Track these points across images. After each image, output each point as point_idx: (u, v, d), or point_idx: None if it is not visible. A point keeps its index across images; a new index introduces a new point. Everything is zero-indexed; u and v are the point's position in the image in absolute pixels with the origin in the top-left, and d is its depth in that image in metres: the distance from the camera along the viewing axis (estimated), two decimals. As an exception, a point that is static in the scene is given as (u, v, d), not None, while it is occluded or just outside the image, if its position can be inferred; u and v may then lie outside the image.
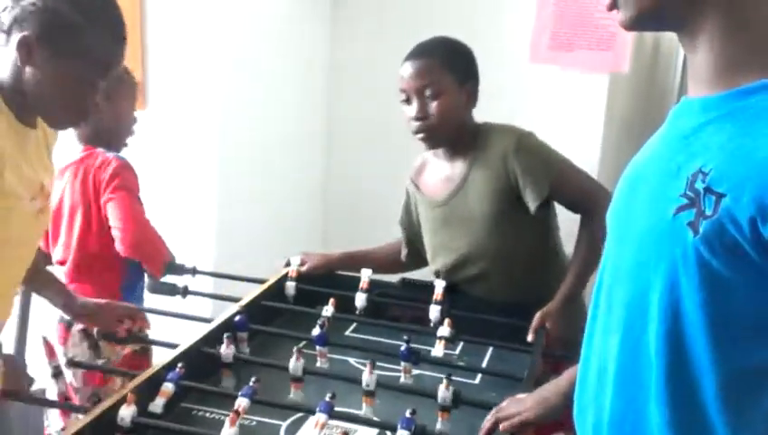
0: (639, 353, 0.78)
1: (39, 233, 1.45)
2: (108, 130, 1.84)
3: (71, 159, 1.84)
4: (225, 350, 1.34)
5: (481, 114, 2.79)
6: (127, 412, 1.12)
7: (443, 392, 1.23)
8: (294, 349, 1.31)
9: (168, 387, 1.21)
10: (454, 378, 1.38)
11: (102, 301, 1.56)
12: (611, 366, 0.82)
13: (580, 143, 2.15)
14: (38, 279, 1.54)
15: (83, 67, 1.26)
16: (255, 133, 2.50)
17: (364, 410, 1.24)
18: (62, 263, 1.82)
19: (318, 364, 1.40)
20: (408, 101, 1.62)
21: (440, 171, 1.70)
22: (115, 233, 1.72)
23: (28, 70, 1.25)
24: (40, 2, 1.22)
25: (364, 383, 1.25)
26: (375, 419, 1.23)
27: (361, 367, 1.46)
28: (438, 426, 1.21)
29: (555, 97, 2.30)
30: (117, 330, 1.53)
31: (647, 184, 0.81)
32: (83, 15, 1.24)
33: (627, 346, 0.80)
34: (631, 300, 0.80)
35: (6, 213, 1.28)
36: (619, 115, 2.40)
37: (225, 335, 1.36)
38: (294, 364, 1.29)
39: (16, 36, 1.22)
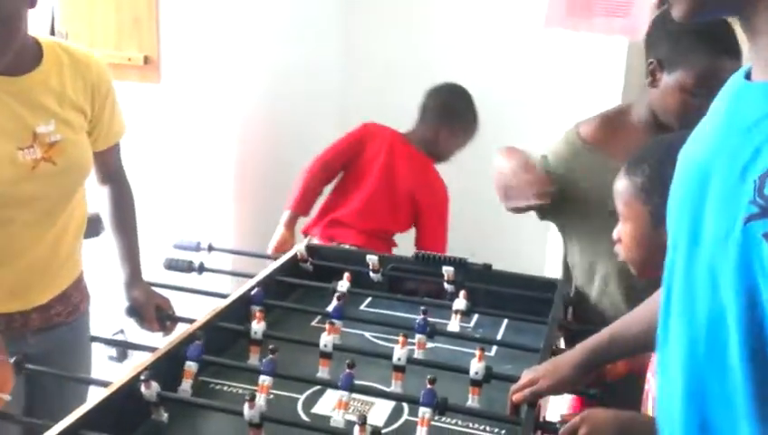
0: (719, 369, 0.72)
1: (46, 188, 1.37)
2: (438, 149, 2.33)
3: None
4: (256, 325, 1.32)
5: (497, 82, 2.79)
6: (150, 392, 1.11)
7: (475, 366, 1.21)
8: (327, 323, 1.31)
9: (192, 367, 1.21)
10: (468, 350, 1.39)
11: (149, 294, 1.55)
12: (680, 380, 0.78)
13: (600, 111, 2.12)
14: (114, 221, 1.56)
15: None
16: (271, 108, 2.49)
17: (393, 386, 1.24)
18: None
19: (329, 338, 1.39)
20: None
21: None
22: None
23: None
24: None
25: (395, 358, 1.24)
26: (397, 391, 1.23)
27: (378, 341, 1.47)
28: (469, 402, 1.20)
29: (573, 64, 2.27)
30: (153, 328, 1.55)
31: (713, 183, 0.72)
32: None
33: (702, 360, 0.75)
34: (709, 313, 0.73)
35: None
36: (637, 83, 2.36)
37: (256, 309, 1.36)
38: (325, 339, 1.28)
39: None
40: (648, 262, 1.24)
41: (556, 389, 1.19)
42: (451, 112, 2.34)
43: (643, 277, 1.34)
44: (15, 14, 1.24)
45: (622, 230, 1.28)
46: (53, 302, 1.47)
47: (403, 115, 2.35)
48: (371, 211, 2.26)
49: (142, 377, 1.11)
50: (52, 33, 2.31)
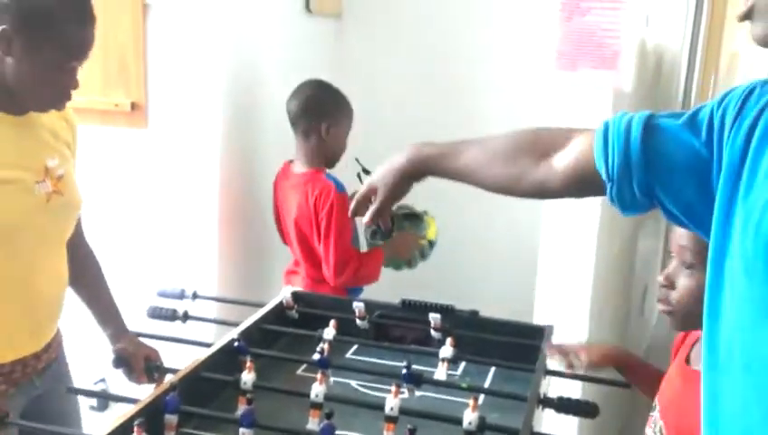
0: None
1: (56, 221, 1.47)
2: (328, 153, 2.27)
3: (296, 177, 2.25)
4: (246, 375, 1.29)
5: (488, 130, 2.82)
6: None
7: (469, 416, 1.18)
8: (319, 373, 1.29)
9: (171, 419, 1.18)
10: (457, 399, 1.38)
11: (137, 346, 1.58)
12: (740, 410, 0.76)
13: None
14: (86, 285, 1.59)
15: (58, 51, 1.34)
16: (258, 155, 2.50)
17: None
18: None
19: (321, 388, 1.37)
20: None
21: None
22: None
23: (8, 61, 1.34)
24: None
25: (387, 408, 1.21)
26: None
27: (364, 390, 1.45)
28: None
29: (559, 115, 2.30)
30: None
31: None
32: (54, 1, 1.34)
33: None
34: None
35: (7, 197, 1.34)
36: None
37: (245, 359, 1.34)
38: (316, 389, 1.25)
39: None
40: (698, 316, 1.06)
41: (391, 193, 1.25)
42: (315, 106, 2.28)
43: (684, 329, 1.32)
44: None
45: (683, 280, 1.24)
46: (54, 337, 1.53)
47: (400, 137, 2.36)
48: (297, 259, 2.29)
49: (136, 423, 1.08)
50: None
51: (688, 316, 1.25)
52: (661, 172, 0.91)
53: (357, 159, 2.29)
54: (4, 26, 1.31)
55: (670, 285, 1.27)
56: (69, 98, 1.42)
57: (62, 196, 1.44)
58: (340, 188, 2.22)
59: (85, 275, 1.60)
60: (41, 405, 1.46)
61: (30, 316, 1.45)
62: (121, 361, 1.57)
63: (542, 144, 1.06)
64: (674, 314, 1.29)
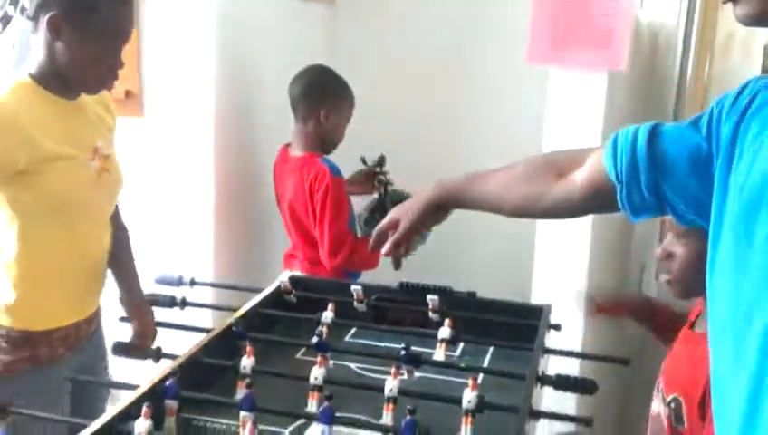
0: None
1: (105, 196, 1.62)
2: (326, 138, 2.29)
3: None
4: (246, 360, 1.30)
5: (479, 116, 2.83)
6: (142, 426, 1.07)
7: (468, 395, 1.18)
8: (318, 356, 1.29)
9: (172, 404, 1.18)
10: (456, 379, 1.38)
11: (147, 307, 1.72)
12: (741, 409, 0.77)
13: (580, 143, 2.14)
14: (117, 257, 1.71)
15: (104, 32, 1.45)
16: (253, 142, 2.50)
17: (384, 418, 1.21)
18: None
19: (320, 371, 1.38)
20: None
21: None
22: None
23: (59, 46, 1.45)
24: None
25: (387, 389, 1.22)
26: (387, 422, 1.20)
27: (364, 372, 1.46)
28: (462, 432, 1.17)
29: (553, 97, 2.29)
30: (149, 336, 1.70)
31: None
32: None
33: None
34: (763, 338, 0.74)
35: (65, 174, 1.48)
36: (619, 113, 2.39)
37: (245, 344, 1.34)
38: (316, 372, 1.25)
39: (44, 18, 1.44)
40: (699, 284, 1.20)
41: (415, 223, 1.32)
42: (317, 91, 2.29)
43: (685, 298, 1.39)
44: None
45: (678, 249, 1.34)
46: (98, 309, 1.69)
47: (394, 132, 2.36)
48: (295, 243, 2.30)
49: (145, 405, 1.09)
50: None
51: (687, 284, 1.32)
52: (666, 169, 0.96)
53: (362, 159, 2.30)
54: (52, 12, 1.43)
55: (668, 256, 1.35)
56: (116, 77, 1.53)
57: (109, 173, 1.59)
58: (335, 171, 2.22)
59: (119, 249, 1.74)
60: (85, 371, 1.62)
61: (85, 283, 1.61)
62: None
63: (559, 164, 1.13)
64: (673, 283, 1.38)
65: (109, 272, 1.72)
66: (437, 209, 1.32)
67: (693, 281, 1.28)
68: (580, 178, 1.09)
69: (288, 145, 2.35)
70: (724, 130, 0.88)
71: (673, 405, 1.36)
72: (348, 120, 2.35)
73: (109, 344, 1.68)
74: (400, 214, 1.34)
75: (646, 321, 1.70)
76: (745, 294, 0.78)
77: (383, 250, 1.34)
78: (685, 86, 2.89)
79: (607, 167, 1.02)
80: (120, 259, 1.73)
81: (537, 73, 2.26)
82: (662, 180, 0.97)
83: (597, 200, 1.08)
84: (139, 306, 1.72)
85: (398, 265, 1.42)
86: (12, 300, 1.51)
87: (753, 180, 0.79)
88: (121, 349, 1.64)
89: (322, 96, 2.28)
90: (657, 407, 1.43)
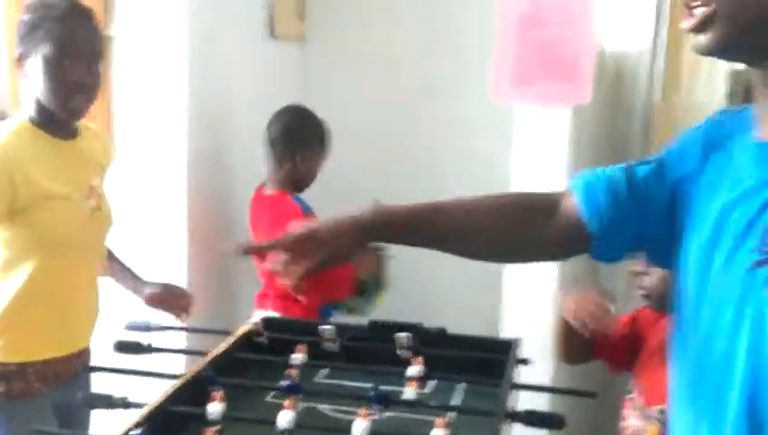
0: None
1: (99, 233, 1.68)
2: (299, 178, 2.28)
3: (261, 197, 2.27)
4: (214, 406, 1.28)
5: (443, 150, 2.86)
6: None
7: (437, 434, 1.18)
8: (287, 401, 1.28)
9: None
10: (427, 418, 1.38)
11: (166, 283, 1.87)
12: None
13: (546, 178, 2.17)
14: (110, 267, 1.82)
15: (49, 49, 1.51)
16: (226, 182, 2.50)
17: None
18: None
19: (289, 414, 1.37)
20: None
21: None
22: None
23: (31, 80, 1.54)
24: (18, 25, 1.55)
25: (357, 431, 1.21)
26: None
27: (334, 414, 1.45)
28: None
29: (519, 129, 2.32)
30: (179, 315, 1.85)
31: (723, 238, 0.79)
32: (33, 12, 1.54)
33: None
34: (714, 364, 0.76)
35: (60, 212, 1.54)
36: (585, 144, 2.43)
37: (212, 390, 1.32)
38: (286, 416, 1.24)
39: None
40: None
41: (342, 253, 1.03)
42: (293, 136, 2.31)
43: (663, 311, 1.43)
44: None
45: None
46: (87, 349, 1.74)
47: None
48: (266, 281, 2.28)
49: None
50: None
51: (664, 297, 1.37)
52: (649, 214, 0.95)
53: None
54: (19, 51, 1.53)
55: (643, 271, 1.40)
56: (88, 96, 1.57)
57: (101, 211, 1.66)
58: (306, 209, 2.23)
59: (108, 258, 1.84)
60: (66, 409, 1.64)
61: (65, 321, 1.63)
62: (155, 300, 1.84)
63: (532, 207, 1.04)
64: (650, 297, 1.47)
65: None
66: (370, 236, 1.05)
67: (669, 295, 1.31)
68: (553, 226, 1.02)
69: (263, 184, 2.36)
70: (689, 174, 0.91)
71: (661, 415, 1.39)
72: (323, 158, 2.37)
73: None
74: (324, 232, 1.03)
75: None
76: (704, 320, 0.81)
77: (284, 277, 1.04)
78: (651, 117, 2.95)
79: (584, 218, 0.98)
80: (111, 263, 1.84)
81: (504, 107, 2.29)
82: (646, 226, 0.96)
83: (569, 248, 1.05)
84: (154, 283, 1.86)
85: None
86: None
87: (710, 218, 0.83)
88: (124, 346, 1.66)
89: (298, 141, 2.30)
90: (637, 423, 1.45)
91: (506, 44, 2.27)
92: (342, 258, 1.03)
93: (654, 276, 1.46)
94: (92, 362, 1.78)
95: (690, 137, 0.93)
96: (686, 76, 3.81)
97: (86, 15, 1.57)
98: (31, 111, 1.59)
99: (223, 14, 2.43)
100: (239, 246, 1.06)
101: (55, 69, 1.52)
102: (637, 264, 1.48)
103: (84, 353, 1.72)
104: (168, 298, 1.86)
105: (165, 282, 1.91)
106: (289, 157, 2.29)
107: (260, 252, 1.10)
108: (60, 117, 1.59)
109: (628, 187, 0.96)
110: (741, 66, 0.83)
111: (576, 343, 1.62)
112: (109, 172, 1.85)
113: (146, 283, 1.88)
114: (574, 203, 1.00)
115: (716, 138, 0.89)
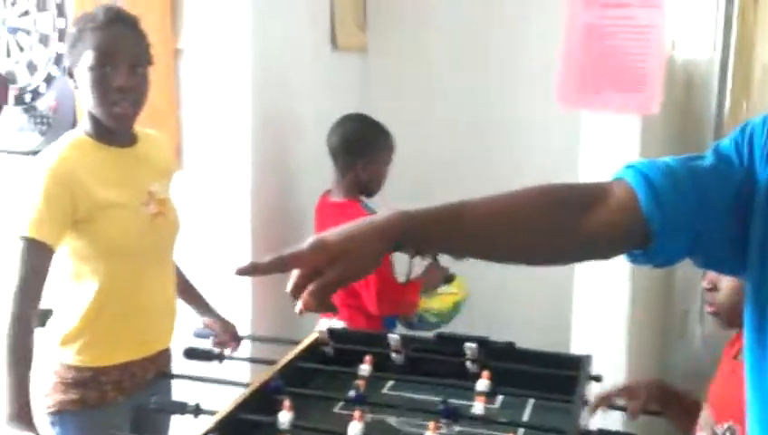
0: None
1: (163, 238, 1.69)
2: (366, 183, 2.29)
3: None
4: (284, 416, 1.30)
5: (513, 159, 2.83)
6: None
7: None
8: (356, 412, 1.28)
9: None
10: (495, 433, 1.36)
11: (228, 321, 1.90)
12: None
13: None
14: (178, 284, 1.83)
15: (90, 57, 1.54)
16: (290, 190, 2.52)
17: None
18: None
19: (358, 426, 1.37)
20: None
21: None
22: None
23: (81, 90, 1.59)
24: (66, 39, 1.62)
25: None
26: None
27: (401, 427, 1.44)
28: None
29: (587, 140, 2.28)
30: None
31: None
32: (76, 25, 1.59)
33: None
34: None
35: (118, 220, 1.57)
36: (654, 155, 2.37)
37: (283, 398, 1.34)
38: (355, 428, 1.25)
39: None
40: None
41: (356, 272, 0.85)
42: (354, 144, 2.30)
43: (731, 329, 1.37)
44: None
45: (725, 280, 1.31)
46: (165, 350, 1.74)
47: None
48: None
49: None
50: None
51: (734, 314, 1.31)
52: (711, 212, 0.85)
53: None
54: (68, 63, 1.59)
55: (714, 287, 1.35)
56: (133, 101, 1.59)
57: (165, 217, 1.66)
58: None
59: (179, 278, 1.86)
60: (145, 412, 1.63)
61: (135, 326, 1.64)
62: (204, 333, 1.87)
63: (580, 201, 0.89)
64: (720, 314, 1.37)
65: None
66: (390, 247, 0.87)
67: (739, 311, 1.23)
68: (603, 220, 0.87)
69: (328, 191, 2.38)
70: (761, 169, 0.83)
71: (728, 434, 1.34)
72: (388, 163, 2.37)
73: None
74: (337, 245, 0.84)
75: (665, 407, 1.57)
76: None
77: (298, 304, 0.86)
78: (722, 124, 2.86)
79: (644, 209, 0.84)
80: (181, 285, 1.86)
81: (570, 117, 2.26)
82: (707, 225, 0.85)
83: (623, 245, 0.89)
84: (209, 307, 1.91)
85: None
86: (65, 335, 1.61)
87: None
88: (193, 353, 1.72)
89: (360, 150, 2.30)
90: None
91: (572, 54, 2.24)
92: (364, 271, 0.86)
93: (724, 292, 1.40)
94: (171, 369, 1.81)
95: (761, 129, 0.85)
96: (758, 82, 3.70)
97: (127, 22, 1.60)
98: (85, 122, 1.63)
99: (286, 26, 2.46)
100: (243, 267, 0.88)
101: (97, 76, 1.54)
102: (705, 279, 1.42)
103: (162, 357, 1.74)
104: (219, 332, 1.90)
105: (222, 317, 1.94)
106: (351, 165, 2.30)
107: (264, 272, 0.87)
108: (108, 124, 1.60)
109: (689, 175, 0.85)
110: None
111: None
112: (174, 179, 1.87)
113: (208, 310, 1.94)
114: (630, 193, 0.86)
115: None
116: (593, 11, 2.20)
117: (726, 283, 1.35)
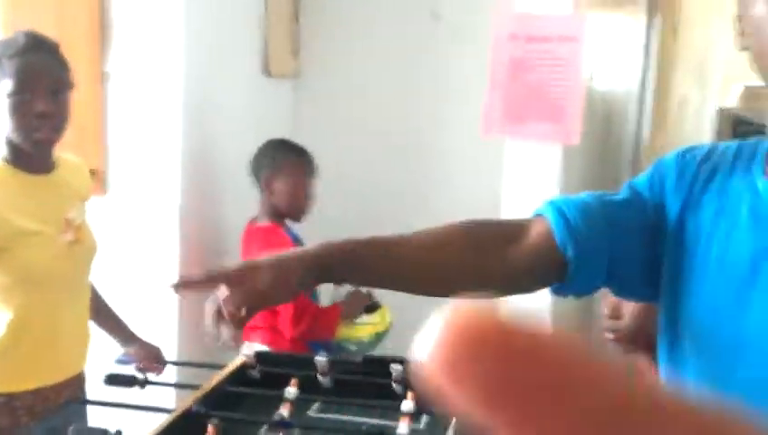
0: None
1: (79, 265, 1.67)
2: (281, 206, 2.27)
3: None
4: None
5: (433, 188, 2.89)
6: None
7: None
8: (281, 433, 1.28)
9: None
10: (420, 453, 1.38)
11: (152, 345, 1.88)
12: None
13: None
14: (99, 314, 1.82)
15: (10, 83, 1.52)
16: (218, 217, 2.51)
17: None
18: None
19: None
20: None
21: None
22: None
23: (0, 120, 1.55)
24: None
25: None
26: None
27: (326, 448, 1.45)
28: None
29: (510, 168, 2.36)
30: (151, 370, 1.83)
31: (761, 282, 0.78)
32: (2, 45, 1.55)
33: None
34: None
35: (35, 249, 1.54)
36: (575, 182, 2.46)
37: (208, 423, 1.33)
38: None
39: None
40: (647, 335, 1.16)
41: (275, 298, 0.91)
42: (255, 162, 2.33)
43: (635, 354, 1.34)
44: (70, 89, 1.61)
45: (621, 303, 1.29)
46: (79, 375, 1.73)
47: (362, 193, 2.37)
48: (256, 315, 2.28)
49: None
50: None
51: (638, 339, 1.26)
52: (623, 240, 0.90)
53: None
54: None
55: (615, 313, 1.29)
56: (47, 126, 1.56)
57: (82, 243, 1.65)
58: (297, 241, 2.24)
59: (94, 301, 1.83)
60: None
61: (49, 352, 1.63)
62: (126, 359, 1.87)
63: (498, 234, 0.93)
64: (622, 340, 1.29)
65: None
66: (311, 277, 0.90)
67: (642, 336, 1.23)
68: (522, 253, 0.91)
69: (256, 217, 2.38)
70: (672, 205, 0.90)
71: None
72: (299, 184, 2.34)
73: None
74: (263, 268, 0.88)
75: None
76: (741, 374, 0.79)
77: (215, 332, 0.91)
78: (640, 153, 3.00)
79: (559, 241, 0.90)
80: (97, 307, 1.82)
81: (494, 145, 2.32)
82: (619, 251, 0.90)
83: (541, 278, 0.95)
84: (132, 336, 1.88)
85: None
86: None
87: (740, 258, 0.82)
88: (114, 380, 1.65)
89: (259, 167, 2.33)
90: None
91: (497, 85, 2.32)
92: (284, 297, 0.91)
93: (626, 318, 1.31)
94: (85, 394, 1.77)
95: (672, 167, 0.91)
96: (674, 113, 3.88)
97: (46, 47, 1.58)
98: (2, 149, 1.60)
99: (217, 51, 2.47)
100: (174, 282, 0.91)
101: (16, 103, 1.53)
102: (605, 306, 1.33)
103: (76, 381, 1.72)
104: (143, 358, 1.88)
105: (145, 341, 1.93)
106: (259, 185, 2.32)
107: (194, 287, 0.91)
108: (28, 150, 1.59)
109: (601, 207, 0.90)
110: (728, 104, 0.84)
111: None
112: (98, 203, 1.86)
113: (130, 337, 1.91)
114: (546, 227, 0.91)
115: (711, 173, 0.88)
116: (518, 44, 2.29)
117: (628, 308, 1.30)
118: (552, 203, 0.93)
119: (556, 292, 0.95)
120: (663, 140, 3.43)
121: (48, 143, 1.61)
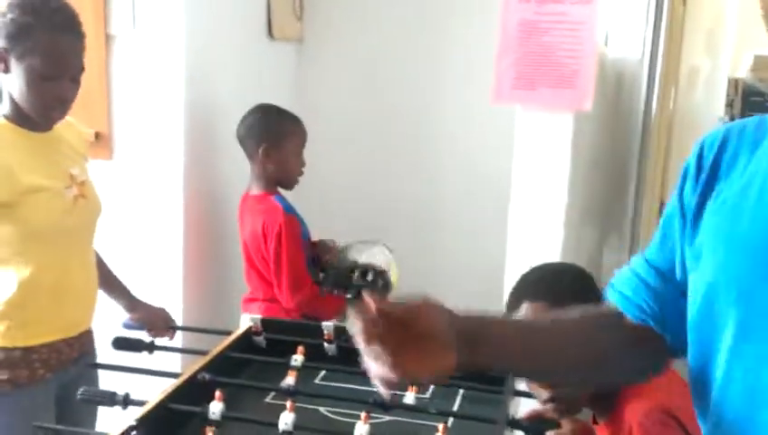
0: None
1: (85, 220, 1.70)
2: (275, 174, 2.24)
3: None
4: (215, 406, 1.29)
5: (440, 153, 2.86)
6: None
7: None
8: (288, 402, 1.28)
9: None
10: (427, 423, 1.38)
11: (158, 308, 1.88)
12: None
13: (547, 183, 2.18)
14: (104, 281, 1.82)
15: (39, 62, 1.51)
16: (221, 183, 2.50)
17: None
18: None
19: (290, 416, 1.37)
20: None
21: None
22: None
23: (8, 79, 1.54)
24: (1, 15, 1.52)
25: (357, 434, 1.22)
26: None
27: (333, 417, 1.45)
28: None
29: (521, 136, 2.33)
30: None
31: None
32: (26, 15, 1.51)
33: None
34: None
35: (42, 204, 1.56)
36: (586, 149, 2.43)
37: (214, 388, 1.33)
38: (286, 417, 1.25)
39: None
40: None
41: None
42: (252, 130, 2.28)
43: (569, 416, 1.35)
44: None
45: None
46: (88, 330, 1.74)
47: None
48: (252, 284, 2.27)
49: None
50: None
51: (574, 399, 1.31)
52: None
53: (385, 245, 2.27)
54: (2, 45, 1.51)
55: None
56: (62, 108, 1.59)
57: (86, 199, 1.67)
58: (288, 209, 2.21)
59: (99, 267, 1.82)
60: (68, 392, 1.62)
61: (62, 305, 1.64)
62: (132, 324, 1.85)
63: (605, 323, 0.99)
64: (557, 401, 1.31)
65: None
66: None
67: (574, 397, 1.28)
68: (634, 353, 0.96)
69: (249, 189, 2.35)
70: (692, 201, 0.89)
71: None
72: (295, 154, 2.30)
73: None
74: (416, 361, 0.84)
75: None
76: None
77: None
78: (650, 121, 2.95)
79: (654, 326, 0.93)
80: (102, 274, 1.82)
81: (505, 113, 2.29)
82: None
83: (658, 362, 1.00)
84: (137, 301, 1.87)
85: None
86: None
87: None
88: (122, 343, 1.69)
89: (258, 135, 2.27)
90: None
91: (507, 50, 2.27)
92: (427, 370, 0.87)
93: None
94: (95, 350, 1.79)
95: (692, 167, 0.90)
96: (686, 81, 3.83)
97: (77, 30, 1.58)
98: (5, 106, 1.60)
99: (221, 14, 2.42)
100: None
101: (40, 83, 1.54)
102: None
103: (85, 336, 1.73)
104: (152, 322, 1.86)
105: (151, 305, 1.90)
106: (254, 153, 2.27)
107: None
108: (38, 121, 1.62)
109: (657, 276, 0.94)
110: (740, 74, 0.81)
111: None
112: (101, 167, 1.85)
113: (135, 302, 1.89)
114: (634, 319, 0.96)
115: (732, 158, 0.86)
116: (528, 6, 2.24)
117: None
118: (618, 293, 0.98)
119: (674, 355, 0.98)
120: (674, 107, 3.39)
121: (58, 121, 1.65)
